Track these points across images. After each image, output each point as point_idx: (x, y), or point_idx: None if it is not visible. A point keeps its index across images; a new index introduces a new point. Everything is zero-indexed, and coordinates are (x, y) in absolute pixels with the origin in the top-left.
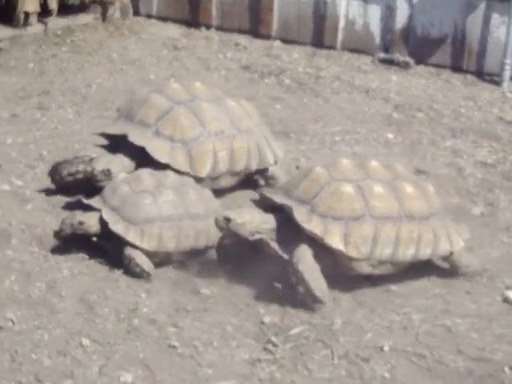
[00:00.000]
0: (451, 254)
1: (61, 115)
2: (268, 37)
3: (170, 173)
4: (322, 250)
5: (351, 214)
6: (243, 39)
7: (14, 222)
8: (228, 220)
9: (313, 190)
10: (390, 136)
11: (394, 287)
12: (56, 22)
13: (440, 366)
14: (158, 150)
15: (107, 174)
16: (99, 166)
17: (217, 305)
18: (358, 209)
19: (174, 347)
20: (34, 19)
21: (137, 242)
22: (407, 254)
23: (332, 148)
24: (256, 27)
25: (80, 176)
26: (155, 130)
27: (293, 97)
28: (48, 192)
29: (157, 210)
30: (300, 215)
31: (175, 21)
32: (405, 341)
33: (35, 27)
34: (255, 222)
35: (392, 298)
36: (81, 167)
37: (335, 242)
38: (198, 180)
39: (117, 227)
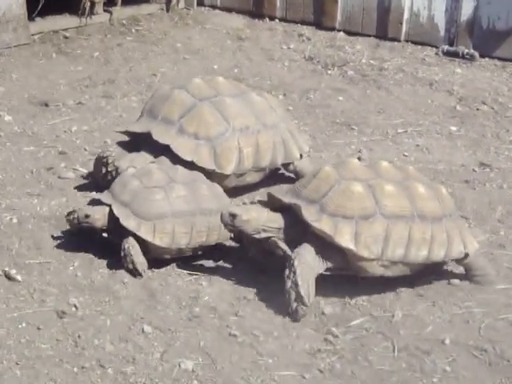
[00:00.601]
0: (466, 256)
1: (125, 104)
2: (332, 28)
3: (179, 167)
4: (332, 250)
5: (361, 212)
6: (307, 30)
7: None
8: (234, 216)
9: (322, 189)
10: (454, 129)
11: (455, 281)
12: (121, 12)
13: (502, 360)
14: (182, 147)
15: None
16: (124, 165)
17: (277, 294)
18: (368, 207)
19: (234, 336)
20: (99, 8)
21: (149, 238)
22: (420, 254)
23: (394, 140)
24: (320, 19)
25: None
26: (179, 127)
27: (355, 88)
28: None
29: (169, 206)
30: (309, 214)
31: (239, 12)
32: (466, 335)
33: (101, 16)
34: (262, 220)
35: (453, 291)
36: (110, 167)
37: (345, 240)
38: (224, 177)
39: (128, 223)
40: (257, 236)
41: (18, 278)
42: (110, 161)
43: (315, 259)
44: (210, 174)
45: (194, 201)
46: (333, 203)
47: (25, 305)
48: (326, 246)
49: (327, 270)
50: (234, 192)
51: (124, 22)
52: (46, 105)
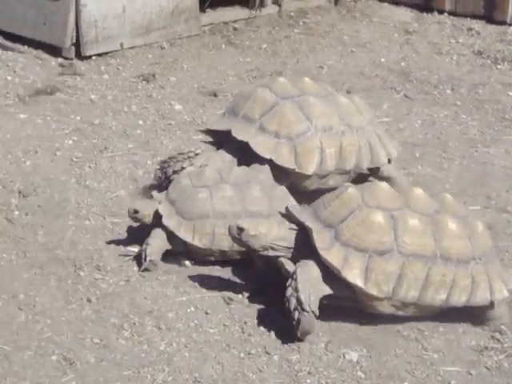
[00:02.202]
0: (491, 304)
1: None
2: (503, 22)
3: (235, 168)
4: (340, 281)
5: (377, 246)
6: (476, 24)
7: None
8: (241, 229)
9: (341, 213)
10: None
11: None
12: (290, 4)
13: None
14: (261, 145)
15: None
16: (198, 163)
17: None
18: (386, 242)
19: (398, 331)
20: (269, 1)
21: (188, 239)
22: (436, 298)
23: None
24: (490, 12)
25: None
26: (259, 124)
27: None
28: None
29: (210, 206)
30: (320, 241)
31: (407, 5)
32: None
33: (269, 9)
34: (270, 237)
35: None
36: (185, 164)
37: (353, 275)
38: (305, 177)
39: (169, 222)
40: (264, 253)
41: (187, 263)
42: (192, 155)
43: (319, 277)
44: (290, 175)
45: (239, 202)
46: (349, 231)
47: (193, 290)
48: (334, 275)
49: (333, 298)
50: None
51: (292, 14)
52: (215, 95)
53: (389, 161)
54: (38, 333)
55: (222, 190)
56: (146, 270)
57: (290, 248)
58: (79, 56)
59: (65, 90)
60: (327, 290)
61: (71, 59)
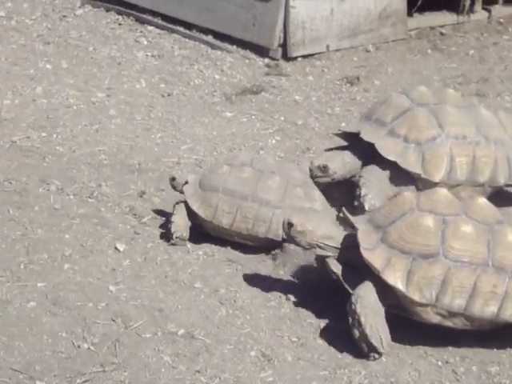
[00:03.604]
0: None
1: (498, 103)
2: None
3: (269, 158)
4: (387, 288)
5: (422, 249)
6: None
7: None
8: (290, 225)
9: (393, 215)
10: None
11: None
12: (500, 10)
13: None
14: (386, 147)
15: (323, 169)
16: (317, 162)
17: None
18: (431, 246)
19: None
20: (478, 7)
21: (194, 208)
22: (486, 310)
23: None
24: None
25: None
26: (390, 128)
27: None
28: None
29: (224, 182)
30: (365, 241)
31: None
32: None
33: (478, 15)
34: (317, 235)
35: None
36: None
37: (393, 278)
38: (432, 185)
39: (187, 188)
40: (307, 250)
41: None
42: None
43: (377, 299)
44: (416, 181)
45: (251, 186)
46: (396, 233)
47: None
48: (382, 282)
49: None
50: None
51: (502, 20)
52: None
53: None
54: (237, 328)
55: (240, 171)
56: (173, 244)
57: (337, 248)
58: (285, 57)
59: (270, 90)
60: (384, 306)
61: (277, 60)
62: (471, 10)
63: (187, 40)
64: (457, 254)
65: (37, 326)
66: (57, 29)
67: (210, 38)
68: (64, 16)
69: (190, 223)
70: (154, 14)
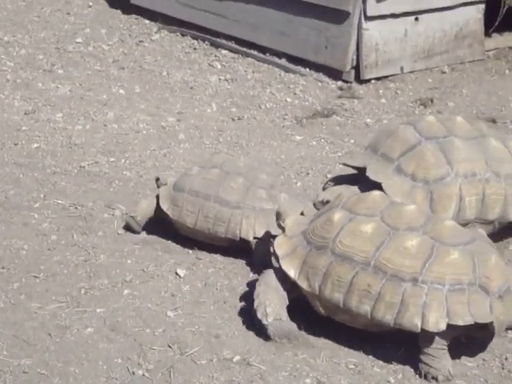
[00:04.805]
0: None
1: None
2: None
3: (244, 162)
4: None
5: (319, 241)
6: None
7: None
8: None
9: (324, 210)
10: None
11: None
12: None
13: None
14: (394, 187)
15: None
16: (320, 197)
17: None
18: (327, 239)
19: None
20: None
21: (163, 207)
22: (361, 307)
23: None
24: None
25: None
26: (397, 165)
27: None
28: None
29: (191, 182)
30: (289, 230)
31: None
32: None
33: None
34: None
35: None
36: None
37: (288, 265)
38: None
39: (161, 190)
40: None
41: None
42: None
43: (278, 283)
44: None
45: (215, 187)
46: (312, 226)
47: None
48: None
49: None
50: None
51: None
52: (494, 121)
53: None
54: (293, 354)
55: (207, 173)
56: (127, 227)
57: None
58: (358, 79)
59: (341, 113)
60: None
61: (350, 82)
62: None
63: (261, 63)
64: (342, 250)
65: (93, 353)
66: (132, 54)
67: (283, 61)
68: (140, 41)
69: (152, 214)
70: (229, 37)
